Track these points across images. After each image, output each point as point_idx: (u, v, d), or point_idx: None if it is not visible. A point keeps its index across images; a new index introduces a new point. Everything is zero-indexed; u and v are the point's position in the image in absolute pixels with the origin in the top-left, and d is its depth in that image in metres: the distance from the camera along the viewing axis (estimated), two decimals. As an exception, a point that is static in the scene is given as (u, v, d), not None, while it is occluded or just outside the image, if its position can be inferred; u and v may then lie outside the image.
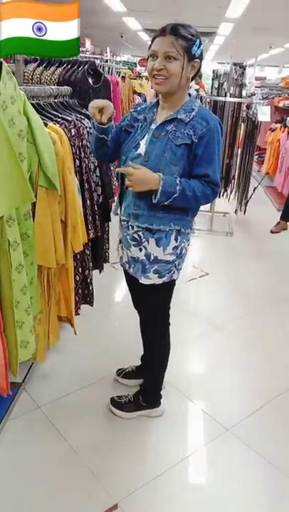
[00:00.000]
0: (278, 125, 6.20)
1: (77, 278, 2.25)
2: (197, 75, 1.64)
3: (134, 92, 5.31)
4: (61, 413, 1.99)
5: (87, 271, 2.31)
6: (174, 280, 1.79)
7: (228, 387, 2.25)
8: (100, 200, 2.34)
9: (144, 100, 5.60)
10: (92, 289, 2.39)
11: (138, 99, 5.31)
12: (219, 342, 2.64)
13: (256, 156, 6.24)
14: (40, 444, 1.84)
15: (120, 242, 1.83)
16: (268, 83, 10.00)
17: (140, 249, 1.71)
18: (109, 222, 2.52)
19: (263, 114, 4.15)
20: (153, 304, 1.85)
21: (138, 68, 10.66)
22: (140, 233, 1.68)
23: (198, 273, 3.52)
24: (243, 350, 2.58)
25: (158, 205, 1.58)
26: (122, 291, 3.33)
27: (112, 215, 1.91)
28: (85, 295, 2.37)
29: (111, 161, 2.06)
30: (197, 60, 1.55)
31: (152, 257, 1.69)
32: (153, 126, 1.64)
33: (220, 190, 1.63)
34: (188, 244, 1.76)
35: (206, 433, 1.96)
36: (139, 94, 5.50)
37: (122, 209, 1.74)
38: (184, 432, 1.96)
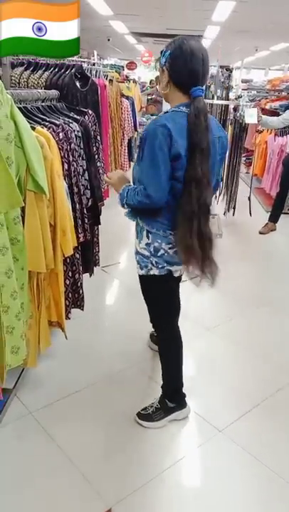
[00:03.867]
0: (265, 127, 6.24)
1: (68, 282, 2.24)
2: (171, 78, 1.63)
3: (122, 96, 5.31)
4: (53, 419, 1.97)
5: (77, 275, 2.30)
6: (157, 276, 1.78)
7: (220, 388, 2.26)
8: (89, 203, 2.33)
9: (132, 103, 5.61)
10: (83, 292, 2.38)
11: (126, 103, 5.32)
12: (210, 343, 2.64)
13: (244, 158, 6.27)
14: (32, 450, 1.82)
15: None
16: (254, 85, 10.06)
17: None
18: (100, 226, 2.52)
19: (250, 116, 4.16)
20: (145, 295, 1.92)
21: (126, 71, 10.69)
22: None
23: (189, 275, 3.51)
24: (234, 352, 2.59)
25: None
26: (112, 294, 3.32)
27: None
28: (75, 299, 2.36)
29: None
30: (164, 67, 1.62)
31: (134, 248, 1.82)
32: None
33: (151, 193, 1.59)
34: (168, 247, 1.73)
35: (199, 435, 1.96)
36: (127, 98, 5.51)
37: None
38: (177, 434, 1.96)
